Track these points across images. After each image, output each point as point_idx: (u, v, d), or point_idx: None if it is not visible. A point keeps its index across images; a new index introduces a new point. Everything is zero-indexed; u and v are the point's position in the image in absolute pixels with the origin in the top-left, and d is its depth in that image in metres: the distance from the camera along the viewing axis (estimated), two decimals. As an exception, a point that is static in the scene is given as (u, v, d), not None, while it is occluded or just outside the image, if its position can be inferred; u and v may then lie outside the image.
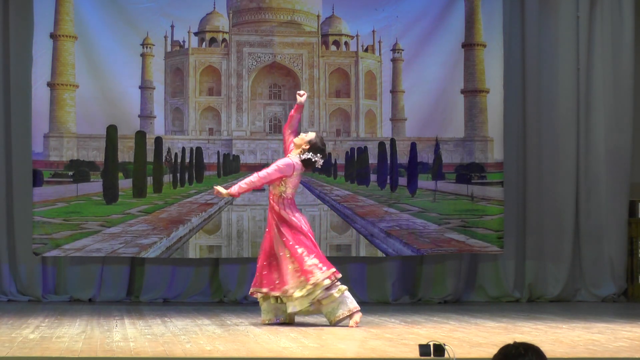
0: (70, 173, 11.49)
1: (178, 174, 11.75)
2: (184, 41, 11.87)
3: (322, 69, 12.10)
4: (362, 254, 11.82)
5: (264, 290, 8.60)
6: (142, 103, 11.70)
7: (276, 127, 12.07)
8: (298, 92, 8.88)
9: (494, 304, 11.56)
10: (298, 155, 8.61)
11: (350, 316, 8.50)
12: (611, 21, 12.02)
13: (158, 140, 11.66)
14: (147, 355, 6.49)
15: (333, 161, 11.94)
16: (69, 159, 11.48)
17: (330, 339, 7.47)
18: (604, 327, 8.60)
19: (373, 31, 12.06)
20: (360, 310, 8.59)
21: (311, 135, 8.68)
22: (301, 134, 8.76)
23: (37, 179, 11.34)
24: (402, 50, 11.99)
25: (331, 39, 12.20)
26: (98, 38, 11.55)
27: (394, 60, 12.02)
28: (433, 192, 11.91)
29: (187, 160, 11.77)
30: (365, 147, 11.96)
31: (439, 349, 6.18)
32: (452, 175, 11.97)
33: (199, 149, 11.83)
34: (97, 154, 11.54)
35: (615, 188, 11.96)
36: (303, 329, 8.32)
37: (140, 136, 11.59)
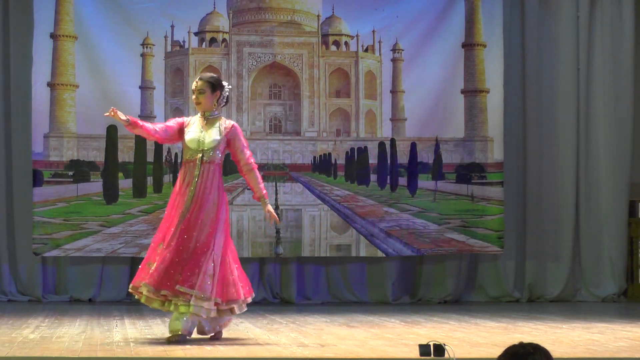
0: (70, 173, 11.48)
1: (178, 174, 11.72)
2: (184, 41, 11.87)
3: (322, 69, 12.10)
4: (362, 254, 11.81)
5: None
6: (142, 103, 11.69)
7: (276, 127, 12.06)
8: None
9: (494, 304, 11.55)
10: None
11: None
12: (611, 21, 12.02)
13: (158, 140, 11.65)
14: (147, 355, 6.49)
15: (333, 161, 11.94)
16: (69, 159, 11.47)
17: (330, 339, 7.47)
18: (604, 327, 8.60)
19: (373, 31, 12.06)
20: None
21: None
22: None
23: (37, 179, 11.34)
24: (402, 50, 11.98)
25: (331, 39, 12.20)
26: (98, 38, 11.55)
27: (394, 60, 12.01)
28: (433, 192, 11.91)
29: (187, 160, 11.74)
30: (365, 147, 11.95)
31: (439, 349, 6.18)
32: (452, 175, 11.96)
33: (199, 149, 11.80)
34: (97, 154, 11.53)
35: (615, 188, 11.96)
36: (303, 329, 8.32)
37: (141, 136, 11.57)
